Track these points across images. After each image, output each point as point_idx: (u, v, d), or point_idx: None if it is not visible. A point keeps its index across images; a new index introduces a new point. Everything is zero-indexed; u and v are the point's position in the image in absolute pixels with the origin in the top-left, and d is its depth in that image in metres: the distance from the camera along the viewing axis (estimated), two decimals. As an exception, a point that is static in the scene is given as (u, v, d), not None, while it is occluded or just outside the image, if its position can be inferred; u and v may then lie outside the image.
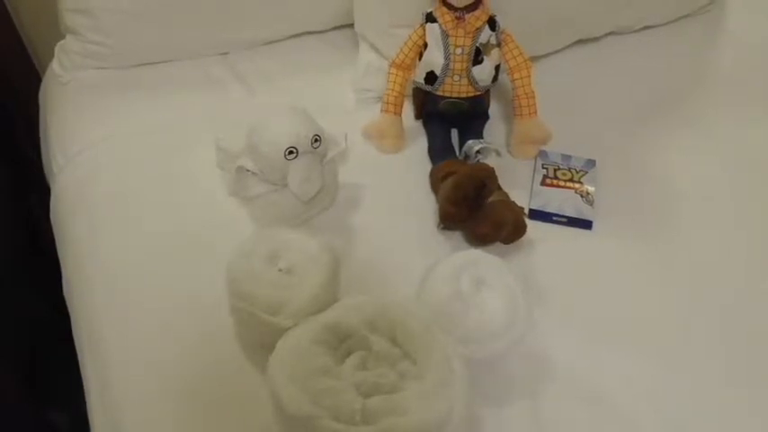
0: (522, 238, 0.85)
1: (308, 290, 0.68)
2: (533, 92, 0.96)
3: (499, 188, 0.87)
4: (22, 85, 1.23)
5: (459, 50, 0.91)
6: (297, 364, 0.61)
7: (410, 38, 0.94)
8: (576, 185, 0.94)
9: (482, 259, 0.72)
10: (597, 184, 0.95)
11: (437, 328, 0.65)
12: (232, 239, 0.73)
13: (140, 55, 1.08)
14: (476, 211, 0.83)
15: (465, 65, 0.92)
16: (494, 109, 1.03)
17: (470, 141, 0.92)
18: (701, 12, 1.26)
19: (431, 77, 0.94)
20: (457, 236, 0.88)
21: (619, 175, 0.97)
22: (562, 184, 0.95)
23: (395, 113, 0.98)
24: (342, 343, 0.65)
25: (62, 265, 0.92)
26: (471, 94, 0.96)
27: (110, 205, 0.90)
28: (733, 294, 0.84)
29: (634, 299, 0.83)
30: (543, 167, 0.97)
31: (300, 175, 0.79)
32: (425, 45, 0.93)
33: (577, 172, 0.96)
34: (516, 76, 0.95)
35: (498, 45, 0.93)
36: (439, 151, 0.96)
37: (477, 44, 0.91)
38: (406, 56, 0.95)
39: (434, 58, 0.93)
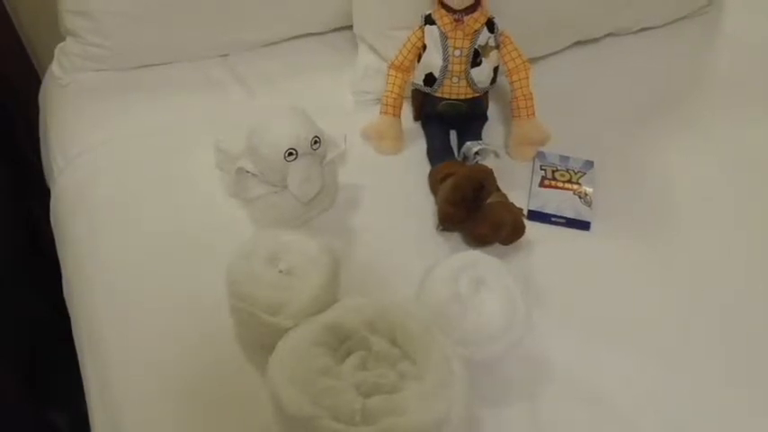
0: (521, 240, 0.85)
1: (308, 291, 0.68)
2: (532, 93, 0.96)
3: (498, 189, 0.87)
4: (21, 86, 1.23)
5: (457, 52, 0.92)
6: (297, 365, 0.61)
7: (409, 40, 0.94)
8: (575, 186, 0.94)
9: (481, 260, 0.72)
10: (595, 185, 0.95)
11: (437, 329, 0.65)
12: (232, 241, 0.73)
13: (140, 57, 1.08)
14: (474, 212, 0.83)
15: (464, 67, 0.93)
16: (492, 110, 1.03)
17: (469, 143, 0.92)
18: (699, 13, 1.26)
19: (430, 79, 0.95)
20: (456, 237, 0.88)
21: (617, 176, 0.97)
22: (560, 185, 0.95)
23: (394, 115, 0.98)
24: (342, 344, 0.65)
25: (62, 265, 0.92)
26: (470, 96, 0.96)
27: (110, 207, 0.90)
28: (733, 294, 0.84)
29: (633, 299, 0.83)
30: (542, 169, 0.97)
31: (300, 176, 0.80)
32: (424, 47, 0.93)
33: (576, 173, 0.96)
34: (515, 77, 0.96)
35: (497, 47, 0.93)
36: (438, 153, 0.97)
37: (476, 46, 0.92)
38: (405, 57, 0.95)
39: (433, 60, 0.93)
